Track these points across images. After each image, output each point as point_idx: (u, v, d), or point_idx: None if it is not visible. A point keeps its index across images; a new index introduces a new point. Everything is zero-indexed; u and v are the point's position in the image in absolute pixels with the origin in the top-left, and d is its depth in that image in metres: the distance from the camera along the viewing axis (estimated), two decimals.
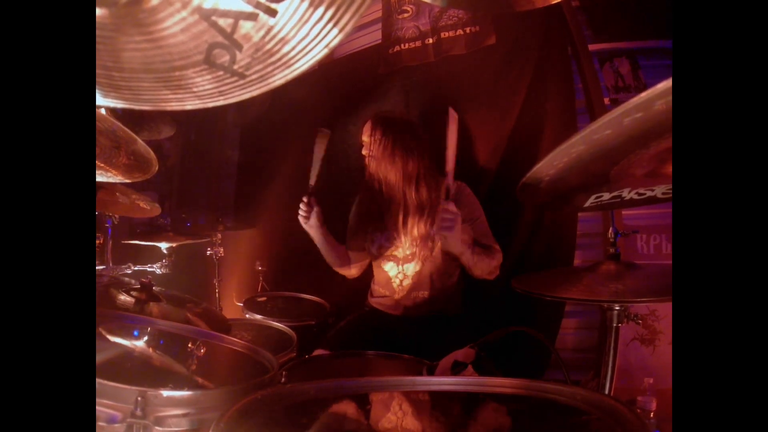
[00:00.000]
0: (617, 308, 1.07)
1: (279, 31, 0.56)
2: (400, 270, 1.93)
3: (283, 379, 1.15)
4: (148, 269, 2.25)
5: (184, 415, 0.79)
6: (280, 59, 0.59)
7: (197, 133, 3.54)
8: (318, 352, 1.73)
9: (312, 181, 1.96)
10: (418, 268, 1.90)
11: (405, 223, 1.88)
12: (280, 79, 0.60)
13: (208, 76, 0.61)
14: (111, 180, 1.30)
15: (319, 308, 2.36)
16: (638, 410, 1.16)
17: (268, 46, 0.57)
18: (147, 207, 2.06)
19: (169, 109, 0.67)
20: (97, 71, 0.61)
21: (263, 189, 2.94)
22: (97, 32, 0.58)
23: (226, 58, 0.59)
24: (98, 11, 0.57)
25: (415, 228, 1.87)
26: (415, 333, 1.80)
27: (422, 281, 1.90)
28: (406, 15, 2.63)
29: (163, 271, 2.28)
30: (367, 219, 2.01)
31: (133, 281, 1.52)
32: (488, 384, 0.88)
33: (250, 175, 3.41)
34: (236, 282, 2.75)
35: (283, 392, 0.79)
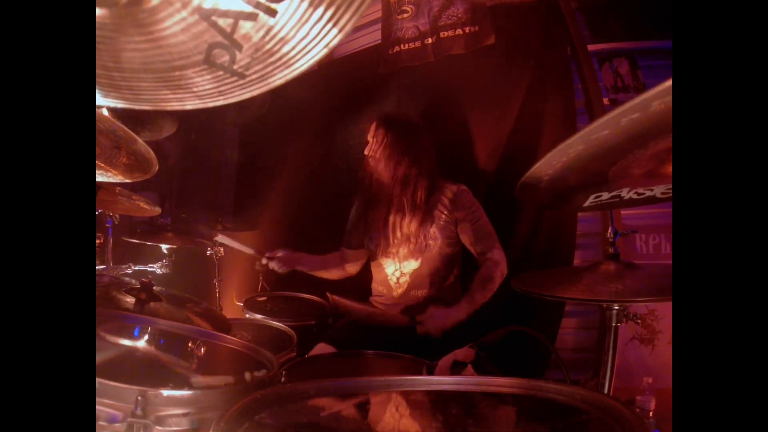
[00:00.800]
0: (616, 308, 1.07)
1: (279, 31, 0.56)
2: (397, 268, 1.94)
3: (283, 379, 1.15)
4: (149, 269, 2.26)
5: (184, 415, 0.79)
6: (279, 59, 0.59)
7: (197, 133, 3.54)
8: (320, 346, 1.73)
9: (250, 252, 2.08)
10: (415, 266, 1.91)
11: (401, 224, 1.89)
12: (279, 79, 0.60)
13: (208, 76, 0.61)
14: (111, 180, 1.30)
15: (319, 308, 2.36)
16: (637, 410, 1.17)
17: (268, 46, 0.58)
18: (147, 207, 2.07)
19: (169, 108, 0.67)
20: (98, 71, 0.61)
21: (263, 189, 2.94)
22: (98, 32, 0.58)
23: (226, 58, 0.59)
24: (98, 11, 0.57)
25: (412, 228, 1.88)
26: (415, 332, 1.80)
27: (420, 280, 1.91)
28: (405, 15, 2.63)
29: (164, 270, 2.28)
30: (366, 217, 2.03)
31: (133, 281, 1.52)
32: (488, 383, 0.88)
33: (250, 175, 3.41)
34: (236, 282, 2.75)
35: (283, 392, 0.79)
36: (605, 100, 2.23)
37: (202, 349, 1.12)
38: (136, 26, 0.58)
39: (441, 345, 1.34)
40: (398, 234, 1.90)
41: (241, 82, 0.61)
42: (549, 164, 0.82)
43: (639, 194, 0.98)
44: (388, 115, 2.03)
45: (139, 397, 0.75)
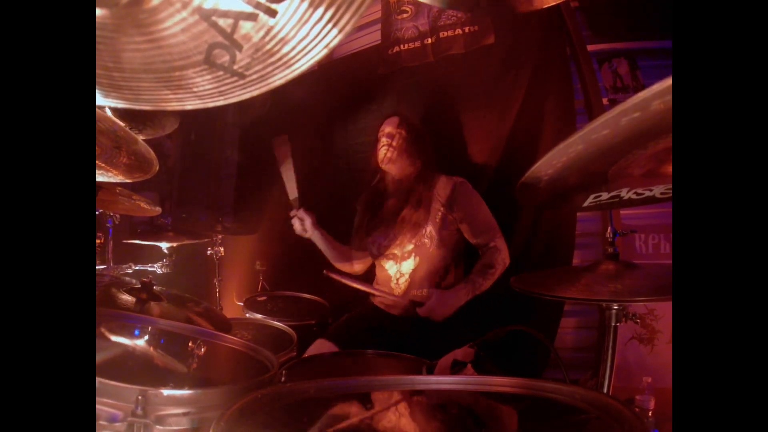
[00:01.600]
0: (616, 307, 1.07)
1: (279, 32, 0.57)
2: (398, 269, 1.95)
3: (283, 378, 1.15)
4: (149, 269, 2.26)
5: (184, 414, 0.80)
6: (279, 59, 0.59)
7: (197, 133, 3.54)
8: (319, 342, 1.74)
9: (292, 196, 2.03)
10: (413, 265, 1.92)
11: (405, 221, 1.91)
12: (279, 79, 0.60)
13: (208, 76, 0.61)
14: (112, 180, 1.30)
15: (319, 308, 2.36)
16: (636, 409, 1.17)
17: (268, 47, 0.58)
18: (147, 207, 2.07)
19: (169, 109, 0.67)
20: (98, 71, 0.61)
21: (263, 189, 2.94)
22: (98, 33, 0.58)
23: (226, 58, 0.59)
24: (99, 12, 0.57)
25: (415, 227, 1.90)
26: (415, 332, 1.81)
27: (420, 280, 1.92)
28: (405, 15, 2.63)
29: (164, 270, 2.28)
30: (368, 220, 2.04)
31: (133, 281, 1.52)
32: (487, 383, 0.88)
33: (250, 175, 3.41)
34: (236, 281, 2.75)
35: (283, 391, 0.79)
36: (605, 101, 2.23)
37: (203, 349, 1.12)
38: (136, 26, 0.58)
39: (441, 344, 1.34)
40: (402, 233, 1.92)
41: (242, 82, 0.61)
42: (549, 164, 0.82)
43: (638, 194, 0.98)
44: (405, 114, 2.09)
45: (140, 397, 0.75)
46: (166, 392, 0.78)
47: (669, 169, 0.83)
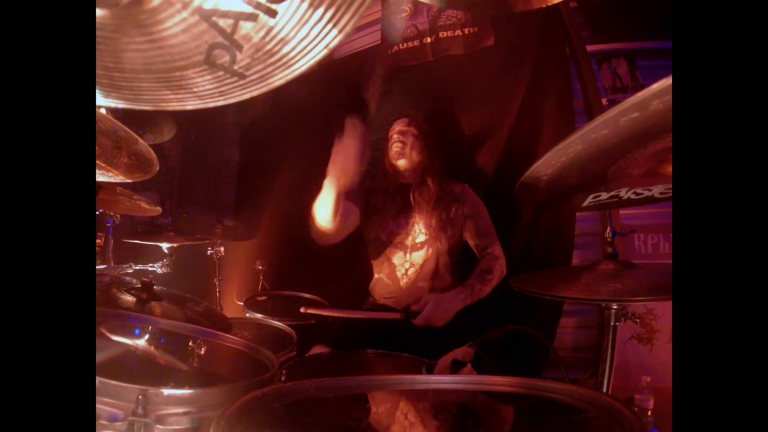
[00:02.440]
0: (615, 307, 1.07)
1: (279, 32, 0.57)
2: (407, 259, 1.97)
3: (283, 378, 1.15)
4: (149, 268, 2.26)
5: (184, 414, 0.80)
6: (280, 59, 0.59)
7: (197, 133, 3.54)
8: (317, 348, 1.74)
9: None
10: (425, 257, 1.95)
11: (422, 214, 1.95)
12: (280, 79, 0.61)
13: (209, 77, 0.61)
14: (112, 180, 1.30)
15: (319, 307, 2.36)
16: (636, 408, 1.17)
17: (268, 47, 0.58)
18: (148, 207, 2.07)
19: (169, 109, 0.67)
20: (99, 72, 0.61)
21: (263, 189, 2.94)
22: (99, 33, 0.58)
23: (227, 58, 0.59)
24: (99, 12, 0.57)
25: (430, 219, 1.94)
26: (414, 331, 1.81)
27: (428, 271, 1.94)
28: (404, 14, 2.63)
29: (164, 270, 2.28)
30: (383, 209, 2.05)
31: (134, 280, 1.52)
32: (487, 382, 0.89)
33: (250, 175, 3.41)
34: (237, 281, 2.75)
35: (283, 391, 0.80)
36: (604, 101, 2.24)
37: (203, 348, 1.12)
38: (136, 27, 0.58)
39: (440, 344, 1.34)
40: (416, 226, 1.96)
41: (242, 82, 0.61)
42: (548, 164, 0.82)
43: (637, 194, 0.98)
44: (416, 113, 2.13)
45: (140, 396, 0.76)
46: (166, 392, 0.78)
47: (668, 168, 0.83)
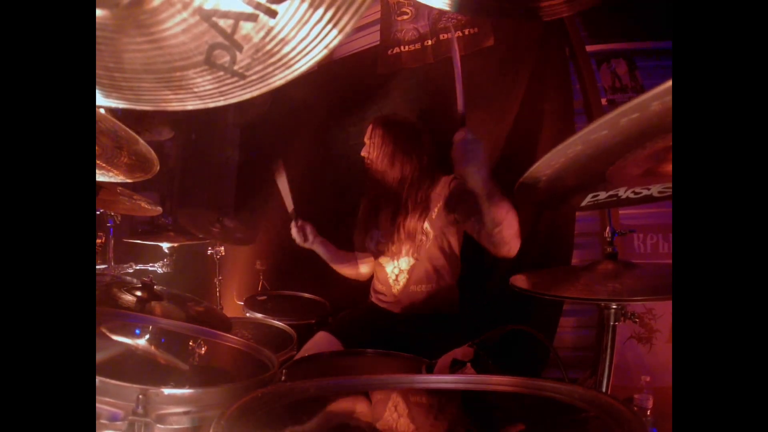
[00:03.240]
0: (614, 307, 1.07)
1: (279, 32, 0.57)
2: (395, 265, 1.95)
3: (283, 378, 1.15)
4: (150, 268, 2.26)
5: (185, 413, 0.80)
6: (280, 60, 0.59)
7: (198, 133, 3.55)
8: (320, 335, 1.74)
9: (290, 208, 2.04)
10: (412, 262, 1.92)
11: (401, 221, 1.90)
12: (280, 79, 0.61)
13: (209, 77, 0.61)
14: (113, 180, 1.31)
15: (319, 307, 2.37)
16: (635, 408, 1.17)
17: (269, 47, 0.58)
18: (148, 207, 2.07)
19: (170, 109, 0.67)
20: (99, 72, 0.61)
21: (263, 188, 2.94)
22: (99, 33, 0.58)
23: (227, 58, 0.59)
24: (100, 12, 0.57)
25: (411, 225, 1.89)
26: (414, 331, 1.81)
27: (418, 275, 1.91)
28: (405, 17, 2.63)
29: (165, 270, 2.29)
30: (367, 218, 2.04)
31: (134, 280, 1.53)
32: (487, 382, 0.89)
33: (251, 175, 3.42)
34: (237, 281, 2.76)
35: (283, 390, 0.80)
36: (603, 101, 2.24)
37: (203, 348, 1.12)
38: (137, 27, 0.58)
39: (440, 343, 1.34)
40: (401, 233, 1.92)
41: (242, 82, 0.62)
42: (547, 164, 0.82)
43: (636, 193, 0.98)
44: (384, 116, 2.04)
45: (140, 396, 0.76)
46: (166, 391, 0.78)
47: (666, 168, 0.84)
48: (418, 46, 2.59)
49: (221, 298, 2.54)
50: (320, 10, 0.55)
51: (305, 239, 2.03)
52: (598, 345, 1.09)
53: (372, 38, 2.79)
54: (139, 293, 1.36)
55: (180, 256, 2.43)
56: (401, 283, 1.94)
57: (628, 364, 2.14)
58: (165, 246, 2.36)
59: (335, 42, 0.57)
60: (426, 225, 1.88)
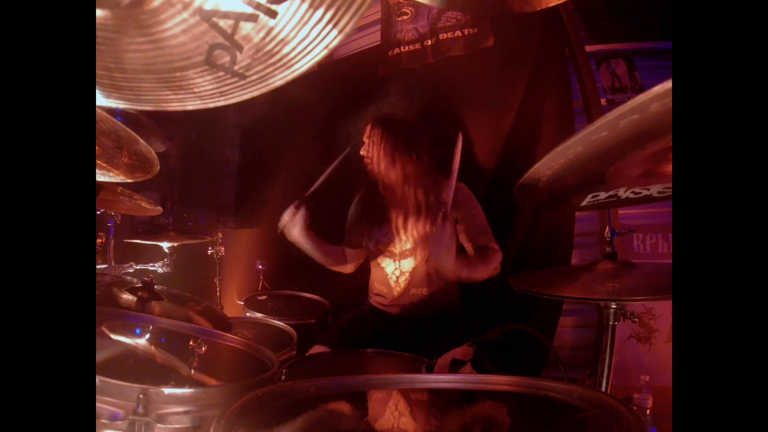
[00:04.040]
0: (614, 307, 1.07)
1: (279, 33, 0.57)
2: (396, 266, 1.95)
3: (283, 377, 1.16)
4: (150, 268, 2.26)
5: (185, 413, 0.80)
6: (280, 60, 0.59)
7: (198, 133, 3.55)
8: (316, 348, 1.74)
9: (309, 192, 2.00)
10: (414, 264, 1.91)
11: (403, 222, 1.90)
12: (280, 79, 0.61)
13: (209, 77, 0.62)
14: (113, 180, 1.31)
15: (319, 307, 2.37)
16: (635, 407, 1.17)
17: (269, 47, 0.58)
18: (148, 206, 2.07)
19: (170, 109, 0.67)
20: (100, 72, 0.62)
21: (263, 188, 2.95)
22: (99, 33, 0.59)
23: (227, 59, 0.59)
24: (100, 13, 0.57)
25: (413, 227, 1.89)
26: (414, 331, 1.81)
27: (419, 278, 1.91)
28: (405, 17, 2.63)
29: (165, 269, 2.29)
30: (365, 216, 2.03)
31: (135, 280, 1.53)
32: (486, 382, 0.89)
33: (250, 174, 3.42)
34: (237, 281, 2.76)
35: (283, 390, 0.80)
36: (603, 101, 2.24)
37: (203, 348, 1.12)
38: (137, 27, 0.59)
39: (439, 343, 1.34)
40: (401, 233, 1.91)
41: (242, 82, 0.62)
42: (547, 165, 0.83)
43: (636, 193, 0.98)
44: (384, 116, 2.03)
45: (141, 395, 0.76)
46: (167, 391, 0.78)
47: (666, 168, 0.84)
48: (417, 46, 2.59)
49: (221, 298, 2.54)
50: (320, 11, 0.55)
51: (305, 231, 1.98)
52: (598, 344, 1.09)
53: (372, 38, 2.79)
54: (139, 293, 1.36)
55: (180, 255, 2.43)
56: (402, 285, 1.94)
57: (628, 363, 2.15)
58: (165, 246, 2.36)
59: (335, 42, 0.57)
60: (429, 227, 1.88)
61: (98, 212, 2.10)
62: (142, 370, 1.01)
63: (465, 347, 1.23)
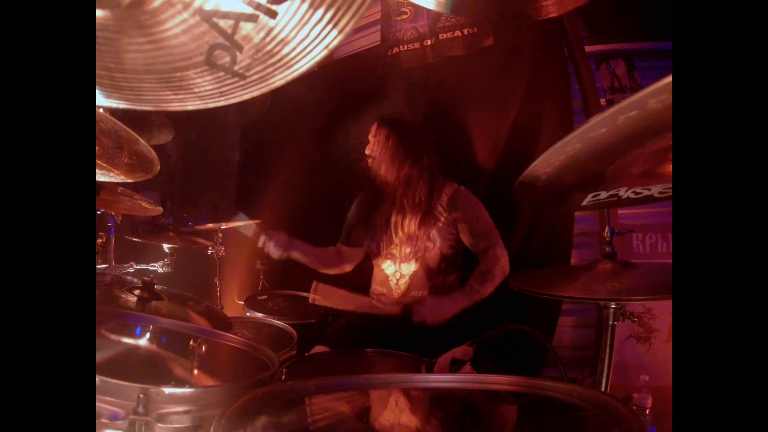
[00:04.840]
0: (613, 306, 1.08)
1: (279, 33, 0.57)
2: (397, 269, 1.95)
3: (283, 377, 1.16)
4: (150, 268, 2.26)
5: (185, 412, 0.80)
6: (280, 60, 0.59)
7: (198, 133, 3.55)
8: (317, 348, 1.74)
9: (251, 229, 2.06)
10: (415, 267, 1.91)
11: (403, 222, 1.90)
12: (280, 79, 0.61)
13: (209, 77, 0.62)
14: (113, 180, 1.31)
15: (319, 306, 2.36)
16: (634, 407, 1.17)
17: (269, 48, 0.58)
18: (149, 206, 2.07)
19: (170, 109, 0.68)
20: (100, 72, 0.62)
21: (263, 188, 2.95)
22: (100, 34, 0.59)
23: (227, 59, 0.60)
24: (101, 13, 0.57)
25: (412, 228, 1.89)
26: (413, 331, 1.81)
27: (420, 281, 1.91)
28: (404, 17, 2.63)
29: (165, 269, 2.29)
30: (367, 216, 2.03)
31: (135, 280, 1.53)
32: (486, 381, 0.89)
33: (250, 174, 3.42)
34: (237, 280, 2.76)
35: (283, 389, 0.80)
36: (602, 101, 2.24)
37: (203, 347, 1.12)
38: (137, 28, 0.59)
39: (439, 343, 1.34)
40: (400, 234, 1.91)
41: (242, 82, 0.62)
42: (546, 163, 0.82)
43: (637, 193, 0.98)
44: (390, 116, 2.03)
45: (141, 395, 0.76)
46: (167, 390, 0.78)
47: (667, 168, 0.84)
48: (417, 45, 2.59)
49: (222, 298, 2.54)
50: (320, 11, 0.55)
51: (282, 249, 1.97)
52: (597, 344, 1.09)
53: (372, 38, 2.79)
54: (139, 293, 1.36)
55: (180, 255, 2.43)
56: (402, 288, 1.94)
57: (627, 363, 2.15)
58: (165, 246, 2.36)
59: (335, 42, 0.57)
60: (433, 231, 1.88)
61: (98, 212, 2.10)
62: (143, 369, 1.01)
63: (465, 347, 1.23)
